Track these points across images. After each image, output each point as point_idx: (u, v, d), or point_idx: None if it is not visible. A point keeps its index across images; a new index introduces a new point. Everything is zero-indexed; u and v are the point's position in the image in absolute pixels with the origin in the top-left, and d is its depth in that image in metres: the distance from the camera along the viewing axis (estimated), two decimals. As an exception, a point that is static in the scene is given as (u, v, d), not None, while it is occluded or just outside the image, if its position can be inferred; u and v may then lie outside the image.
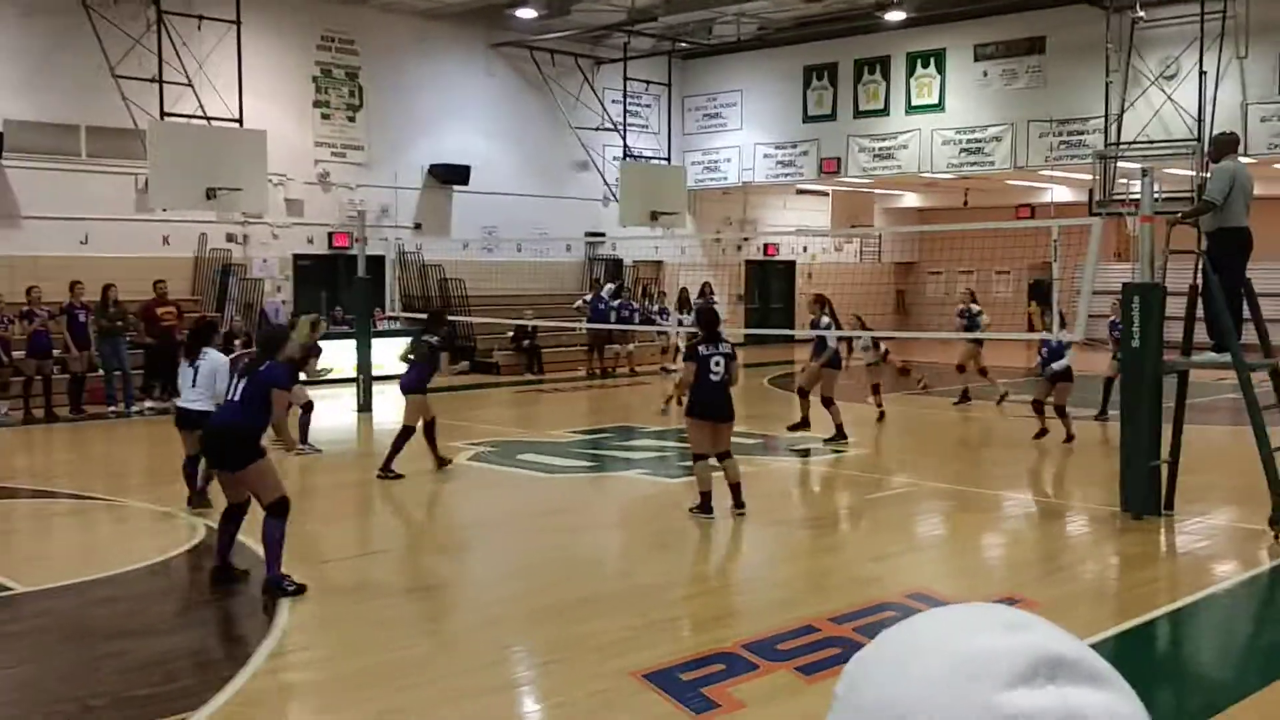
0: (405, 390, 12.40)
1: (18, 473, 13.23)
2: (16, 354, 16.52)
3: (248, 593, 7.95)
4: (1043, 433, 14.15)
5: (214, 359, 10.20)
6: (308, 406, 13.84)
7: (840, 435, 14.33)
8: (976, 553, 9.64)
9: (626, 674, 6.14)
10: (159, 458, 12.93)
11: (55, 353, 16.84)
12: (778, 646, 6.57)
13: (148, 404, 17.40)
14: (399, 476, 11.84)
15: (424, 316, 15.14)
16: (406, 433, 12.08)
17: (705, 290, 25.22)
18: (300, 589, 7.68)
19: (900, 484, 12.25)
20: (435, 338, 12.58)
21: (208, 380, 10.08)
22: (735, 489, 10.18)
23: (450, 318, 19.37)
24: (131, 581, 8.15)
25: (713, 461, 10.15)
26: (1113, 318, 15.26)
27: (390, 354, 20.97)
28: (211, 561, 8.20)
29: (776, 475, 13.34)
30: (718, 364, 9.97)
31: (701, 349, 10.11)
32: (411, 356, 12.51)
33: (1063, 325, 13.25)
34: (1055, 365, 14.15)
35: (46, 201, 19.58)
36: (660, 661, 6.34)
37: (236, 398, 7.97)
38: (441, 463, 12.37)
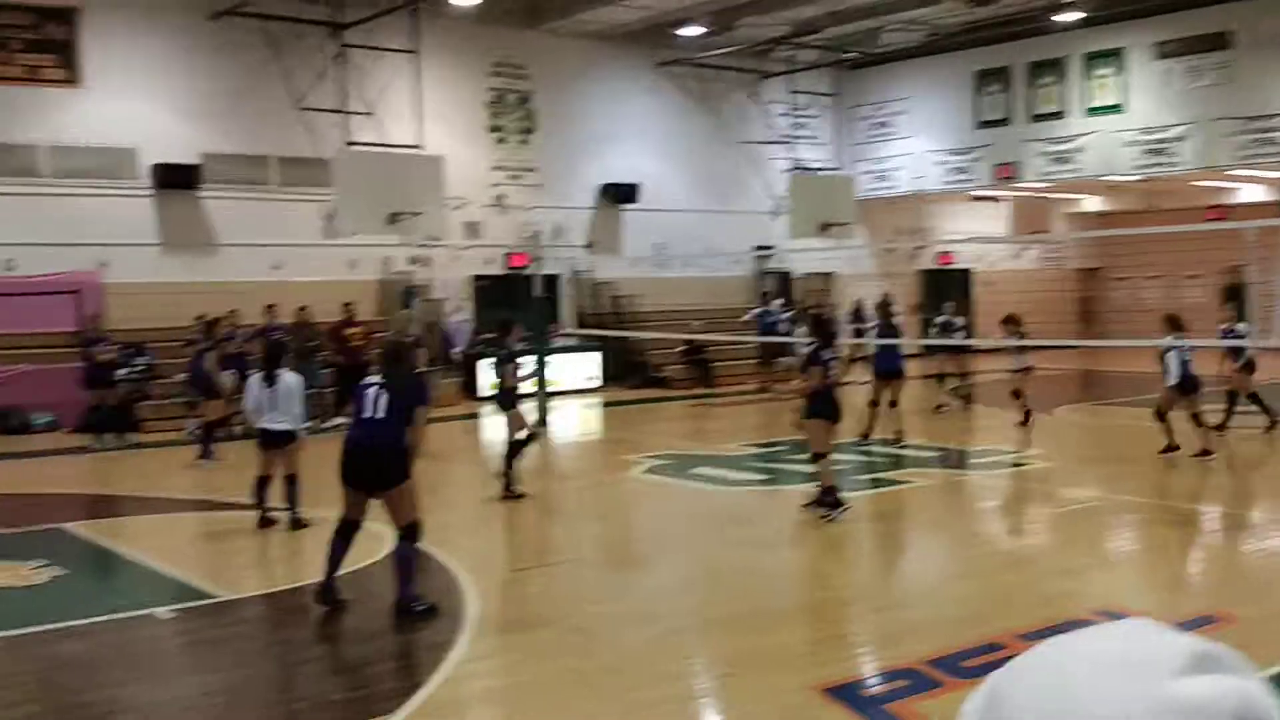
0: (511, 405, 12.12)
1: (219, 486, 13.93)
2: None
3: (436, 602, 8.19)
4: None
5: (289, 380, 10.33)
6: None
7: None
8: (1170, 568, 9.27)
9: (809, 688, 6.11)
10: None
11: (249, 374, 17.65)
12: (962, 663, 6.44)
13: (338, 420, 18.08)
14: (521, 496, 11.91)
15: (599, 333, 15.32)
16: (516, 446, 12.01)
17: (886, 301, 24.86)
18: (432, 609, 7.57)
19: (1087, 497, 11.85)
20: (505, 350, 12.25)
21: (286, 401, 10.26)
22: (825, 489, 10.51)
23: (621, 333, 19.67)
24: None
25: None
26: (1223, 326, 14.46)
27: (567, 370, 21.55)
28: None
29: (957, 488, 13.08)
30: (834, 366, 10.65)
31: (824, 354, 10.65)
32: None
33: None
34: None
35: (241, 229, 20.59)
36: (843, 676, 6.29)
37: (381, 415, 7.63)
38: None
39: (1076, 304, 33.12)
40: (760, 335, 22.63)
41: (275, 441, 10.37)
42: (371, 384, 7.78)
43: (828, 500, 10.38)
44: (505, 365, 12.19)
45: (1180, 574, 9.18)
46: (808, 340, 11.30)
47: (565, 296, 24.37)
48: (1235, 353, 14.36)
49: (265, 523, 10.57)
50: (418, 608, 7.58)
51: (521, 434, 12.06)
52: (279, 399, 10.29)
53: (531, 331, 18.93)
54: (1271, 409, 14.70)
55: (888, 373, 15.51)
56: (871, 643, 7.31)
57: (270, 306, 18.09)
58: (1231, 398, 14.88)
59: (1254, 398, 14.84)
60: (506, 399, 12.14)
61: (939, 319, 16.50)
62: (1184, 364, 12.95)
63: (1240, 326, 14.74)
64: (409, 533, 7.62)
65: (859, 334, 25.08)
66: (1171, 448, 13.07)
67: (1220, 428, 14.37)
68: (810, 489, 10.79)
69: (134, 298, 19.28)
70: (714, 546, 10.14)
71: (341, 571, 7.81)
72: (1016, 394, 15.97)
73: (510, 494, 11.87)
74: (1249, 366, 14.67)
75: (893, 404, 15.27)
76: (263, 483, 10.59)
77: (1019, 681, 0.78)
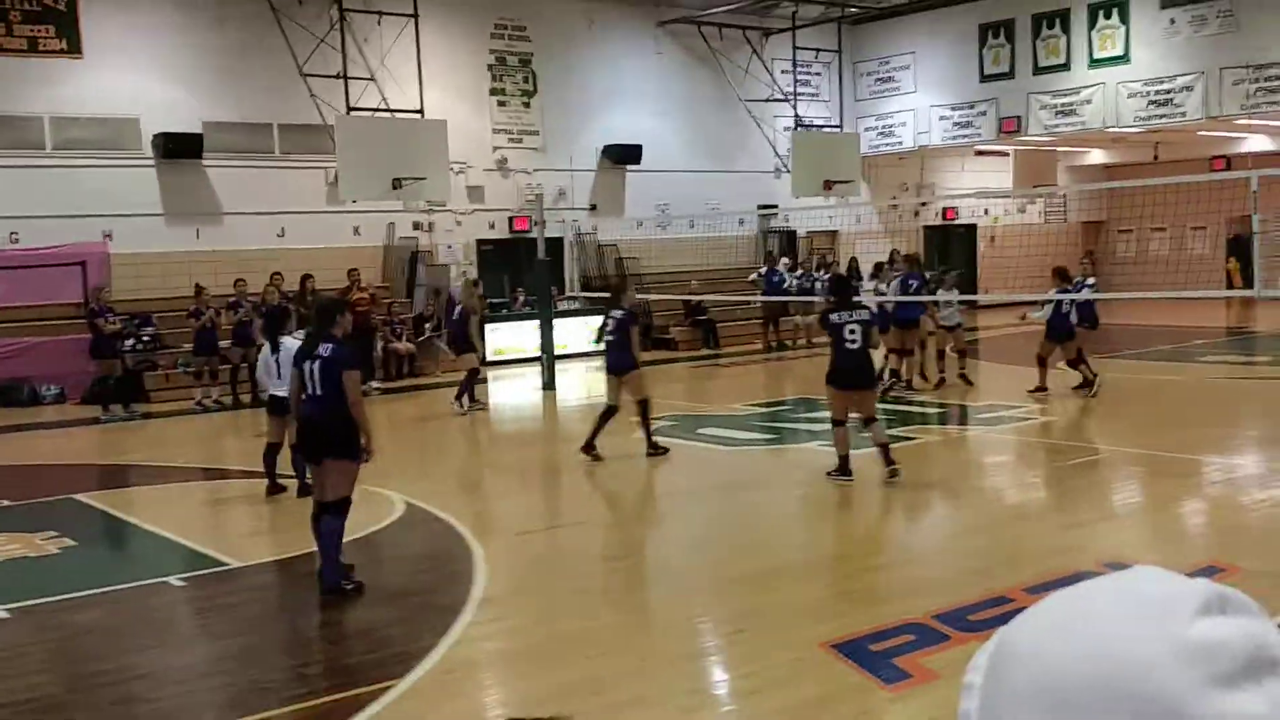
0: (622, 369, 11.87)
1: (228, 455, 14.03)
2: (223, 343, 17.46)
3: (446, 564, 8.27)
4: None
5: (290, 347, 9.95)
6: (474, 370, 14.75)
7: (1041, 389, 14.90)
8: (1176, 520, 9.30)
9: (816, 644, 6.17)
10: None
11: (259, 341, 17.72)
12: (970, 617, 6.49)
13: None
14: (663, 451, 11.95)
15: (604, 295, 15.32)
16: (643, 407, 11.89)
17: (894, 257, 24.81)
18: (359, 587, 7.45)
19: (1092, 450, 11.88)
20: (620, 311, 12.07)
21: (289, 367, 10.03)
22: (884, 450, 10.11)
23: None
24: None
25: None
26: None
27: (571, 333, 21.53)
28: (401, 539, 8.51)
29: (964, 444, 13.12)
30: (852, 331, 9.93)
31: (834, 316, 10.08)
32: (611, 337, 11.99)
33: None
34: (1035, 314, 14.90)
35: (245, 198, 20.58)
36: (850, 632, 6.34)
37: (318, 391, 7.44)
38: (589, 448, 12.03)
39: (1082, 257, 33.01)
40: (766, 295, 22.63)
41: (282, 409, 10.40)
42: (304, 355, 7.58)
43: (841, 469, 10.21)
44: (629, 328, 11.80)
45: (1184, 526, 9.22)
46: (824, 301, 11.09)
47: (569, 259, 24.34)
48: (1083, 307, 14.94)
49: (275, 489, 10.61)
50: (347, 586, 7.43)
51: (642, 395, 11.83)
52: (283, 367, 10.22)
53: (535, 295, 18.97)
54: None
55: (906, 321, 15.62)
56: (878, 598, 7.35)
57: (275, 275, 18.11)
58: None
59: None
60: (626, 361, 11.75)
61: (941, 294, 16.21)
62: (1066, 314, 14.33)
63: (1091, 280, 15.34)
64: (335, 508, 7.40)
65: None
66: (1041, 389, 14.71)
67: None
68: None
69: (139, 268, 19.31)
70: (721, 506, 10.19)
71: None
72: (1041, 360, 15.19)
73: (591, 452, 11.75)
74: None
75: (909, 352, 15.66)
76: (272, 450, 10.63)
77: (1030, 629, 0.78)
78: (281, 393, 10.23)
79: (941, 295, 16.14)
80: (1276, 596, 6.28)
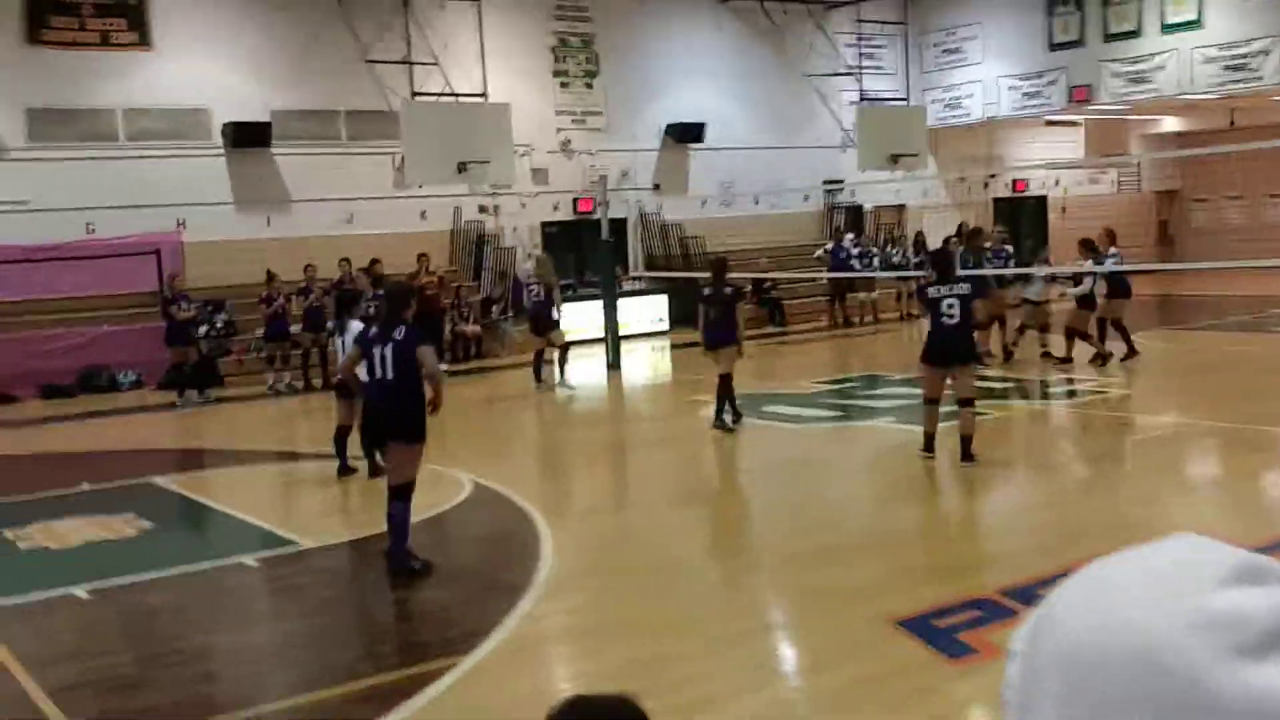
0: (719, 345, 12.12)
1: (299, 438, 14.25)
2: (294, 328, 17.71)
3: (513, 543, 8.33)
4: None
5: (355, 329, 10.02)
6: (565, 346, 15.17)
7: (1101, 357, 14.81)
8: (1251, 495, 9.11)
9: (881, 620, 6.14)
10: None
11: (329, 324, 17.95)
12: (1039, 592, 6.41)
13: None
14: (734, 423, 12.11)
15: (667, 275, 15.44)
16: (725, 381, 12.09)
17: (962, 230, 24.53)
18: (427, 566, 7.53)
19: (1165, 424, 11.67)
20: (728, 289, 12.32)
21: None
22: (965, 441, 9.78)
23: (689, 275, 19.64)
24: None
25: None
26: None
27: (635, 313, 21.58)
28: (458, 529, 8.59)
29: (1031, 418, 12.95)
30: (950, 305, 9.60)
31: (931, 291, 9.80)
32: (713, 315, 12.16)
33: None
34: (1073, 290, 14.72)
35: (313, 185, 20.83)
36: (915, 608, 6.30)
37: (389, 375, 7.52)
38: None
39: (1155, 227, 32.38)
40: (832, 271, 22.46)
41: (351, 391, 10.50)
42: (374, 339, 7.68)
43: (926, 446, 10.08)
44: (733, 304, 12.11)
45: (1258, 499, 9.03)
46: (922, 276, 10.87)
47: (633, 239, 24.34)
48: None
49: (345, 471, 10.77)
50: (415, 565, 7.51)
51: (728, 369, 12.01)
52: (348, 348, 10.40)
53: (599, 276, 19.00)
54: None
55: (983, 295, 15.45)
56: (945, 574, 7.29)
57: (344, 260, 18.32)
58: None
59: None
60: (728, 337, 12.00)
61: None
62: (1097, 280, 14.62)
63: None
64: (399, 492, 7.51)
65: (919, 265, 24.85)
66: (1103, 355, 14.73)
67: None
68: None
69: (211, 255, 19.64)
70: (786, 483, 10.16)
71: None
72: (1080, 333, 15.00)
73: (722, 425, 12.03)
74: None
75: (987, 325, 15.23)
76: (343, 432, 10.78)
77: (1064, 598, 0.77)
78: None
79: (1037, 269, 15.92)
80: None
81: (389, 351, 7.54)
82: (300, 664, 6.29)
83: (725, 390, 12.02)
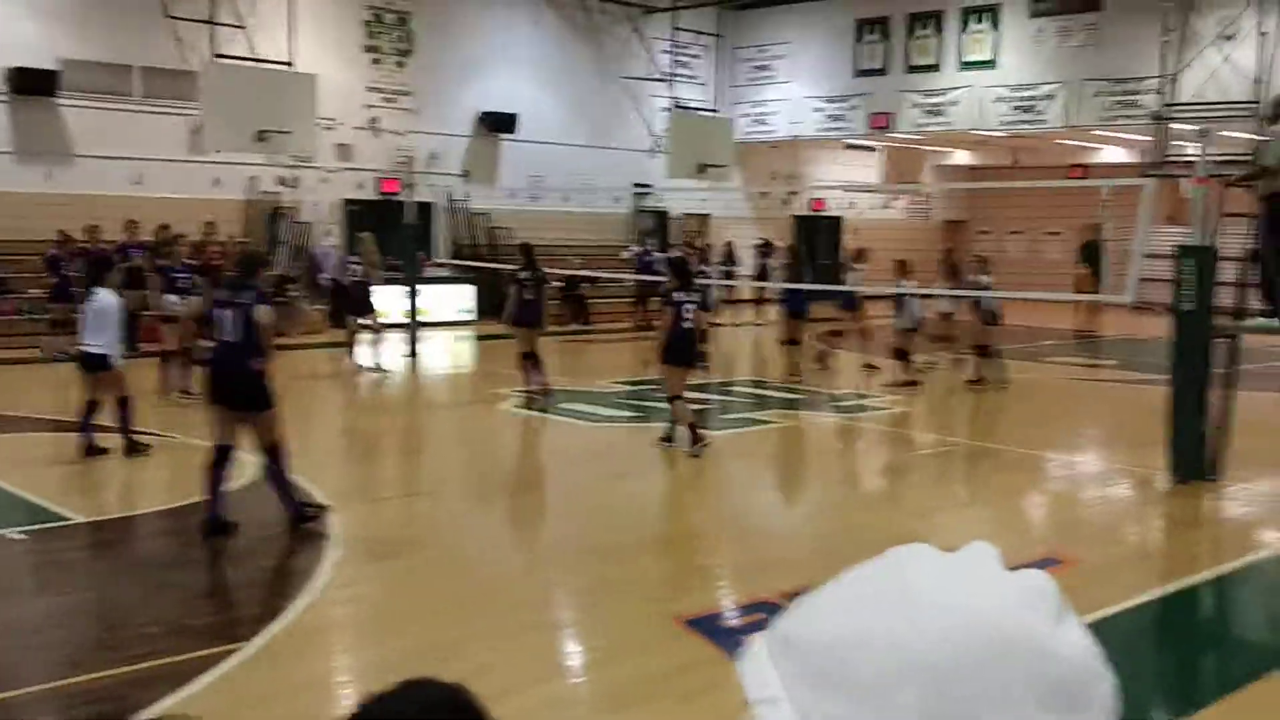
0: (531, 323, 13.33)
1: (68, 407, 13.48)
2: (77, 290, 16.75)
3: (301, 529, 8.11)
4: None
5: (104, 300, 9.67)
6: (379, 328, 15.21)
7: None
8: (1018, 512, 9.66)
9: (669, 618, 6.24)
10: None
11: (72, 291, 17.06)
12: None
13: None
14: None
15: (472, 264, 15.55)
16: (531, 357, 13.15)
17: (768, 246, 25.24)
18: (323, 507, 8.01)
19: (940, 442, 12.25)
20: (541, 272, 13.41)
21: (98, 320, 9.60)
22: (692, 428, 10.62)
23: (495, 266, 19.52)
24: (187, 515, 8.31)
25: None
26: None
27: (440, 301, 21.29)
28: (257, 502, 8.32)
29: (816, 432, 13.39)
30: (688, 310, 10.40)
31: (676, 295, 10.52)
32: (530, 296, 13.40)
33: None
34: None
35: (101, 141, 19.78)
36: (702, 608, 6.44)
37: (237, 338, 7.58)
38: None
39: (941, 255, 33.89)
40: (638, 274, 22.69)
41: (90, 365, 9.86)
42: (223, 302, 7.76)
43: (693, 437, 10.51)
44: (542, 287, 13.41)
45: (1027, 517, 9.58)
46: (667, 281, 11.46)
47: (440, 226, 24.03)
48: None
49: (91, 451, 10.04)
50: (310, 513, 7.82)
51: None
52: (92, 319, 9.71)
53: (401, 260, 18.69)
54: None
55: (797, 313, 15.97)
56: (730, 576, 7.48)
57: (131, 223, 17.45)
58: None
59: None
60: (537, 317, 13.36)
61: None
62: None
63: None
64: (272, 453, 7.70)
65: (729, 275, 25.40)
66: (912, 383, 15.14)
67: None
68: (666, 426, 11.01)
69: (-16, 207, 18.43)
70: (580, 480, 10.23)
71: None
72: (902, 353, 15.54)
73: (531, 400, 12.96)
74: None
75: (794, 342, 16.00)
76: (90, 407, 10.04)
77: (839, 625, 0.83)
78: (92, 349, 9.70)
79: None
80: (1109, 586, 6.59)
81: (235, 315, 7.57)
82: (68, 644, 5.96)
83: (536, 365, 12.97)
